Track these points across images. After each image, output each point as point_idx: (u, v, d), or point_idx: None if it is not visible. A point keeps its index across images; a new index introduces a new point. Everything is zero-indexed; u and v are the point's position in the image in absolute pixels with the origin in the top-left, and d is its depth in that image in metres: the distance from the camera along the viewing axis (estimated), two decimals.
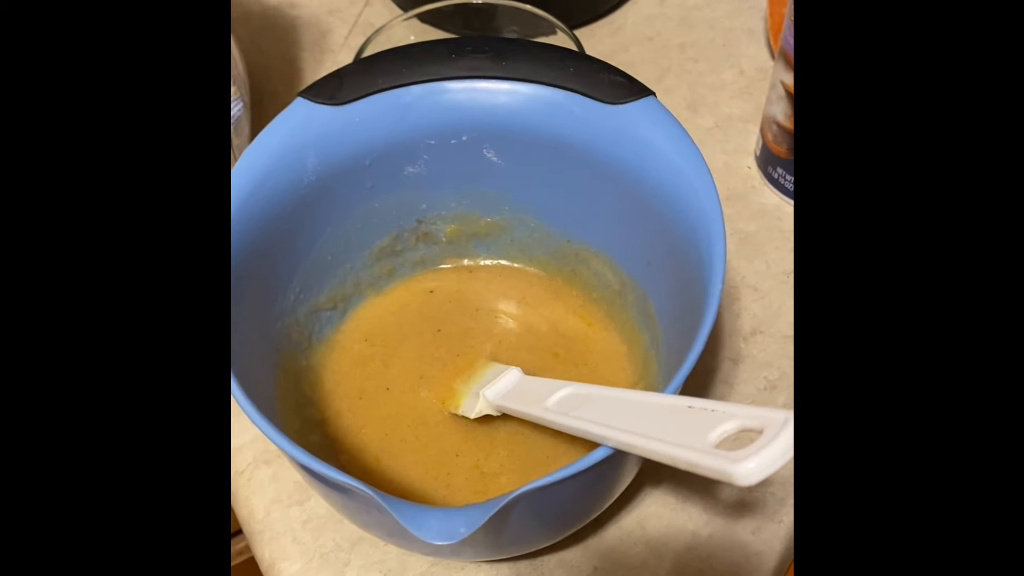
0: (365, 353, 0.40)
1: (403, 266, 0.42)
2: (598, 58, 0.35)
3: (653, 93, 0.34)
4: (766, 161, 0.48)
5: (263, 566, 0.38)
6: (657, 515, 0.37)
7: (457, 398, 0.37)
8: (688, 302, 0.32)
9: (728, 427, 0.24)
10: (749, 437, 0.23)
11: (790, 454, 0.22)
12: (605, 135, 0.34)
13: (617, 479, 0.32)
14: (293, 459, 0.28)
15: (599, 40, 0.57)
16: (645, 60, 0.55)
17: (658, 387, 0.36)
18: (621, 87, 0.34)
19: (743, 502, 0.38)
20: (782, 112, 0.45)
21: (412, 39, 0.46)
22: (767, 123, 0.47)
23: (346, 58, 0.56)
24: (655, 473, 0.38)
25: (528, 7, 0.47)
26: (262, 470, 0.39)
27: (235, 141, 0.45)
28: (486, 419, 0.37)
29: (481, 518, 0.26)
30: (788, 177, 0.47)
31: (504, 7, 0.48)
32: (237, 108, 0.44)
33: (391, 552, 0.37)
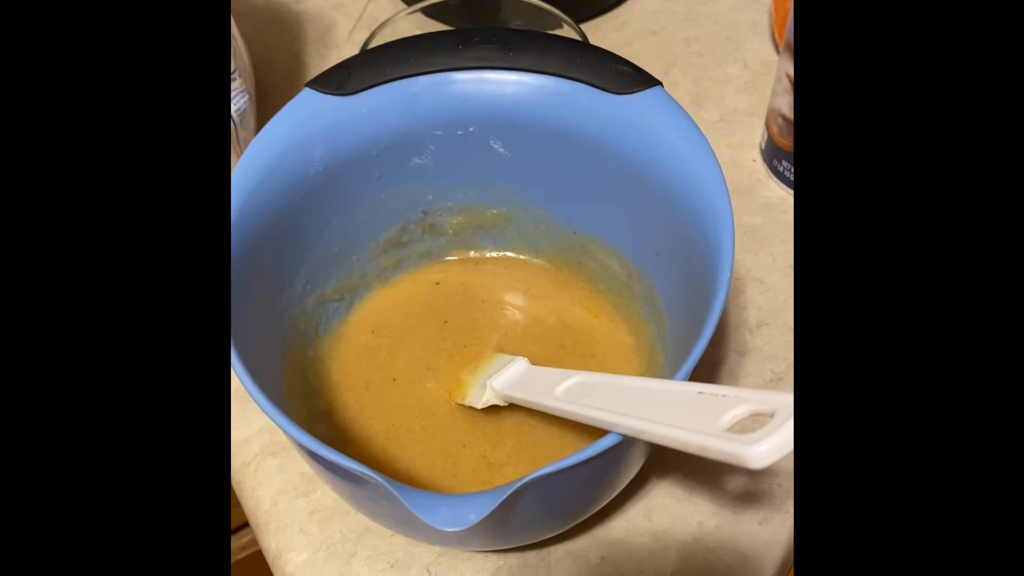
0: (372, 344, 0.40)
1: (409, 258, 0.42)
2: (605, 49, 0.35)
3: (660, 83, 0.34)
4: (771, 154, 0.48)
5: (269, 557, 0.38)
6: (664, 506, 0.37)
7: (464, 389, 0.37)
8: (695, 292, 0.32)
9: (739, 411, 0.24)
10: (759, 422, 0.23)
11: None
12: (612, 125, 0.34)
13: (624, 468, 0.32)
14: (303, 447, 0.28)
15: (604, 34, 0.57)
16: (650, 54, 0.55)
17: (665, 377, 0.36)
18: (628, 77, 0.34)
19: (749, 493, 0.38)
20: (787, 105, 0.45)
21: (416, 33, 0.46)
22: (772, 116, 0.47)
23: (350, 52, 0.56)
24: (661, 464, 0.38)
25: (533, 0, 0.47)
26: (268, 461, 0.39)
27: (241, 134, 0.45)
28: (493, 410, 0.37)
29: (490, 505, 0.26)
30: (793, 170, 0.47)
31: (509, 0, 0.48)
32: (243, 101, 0.45)
33: (398, 543, 0.37)
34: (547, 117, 0.36)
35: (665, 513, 0.37)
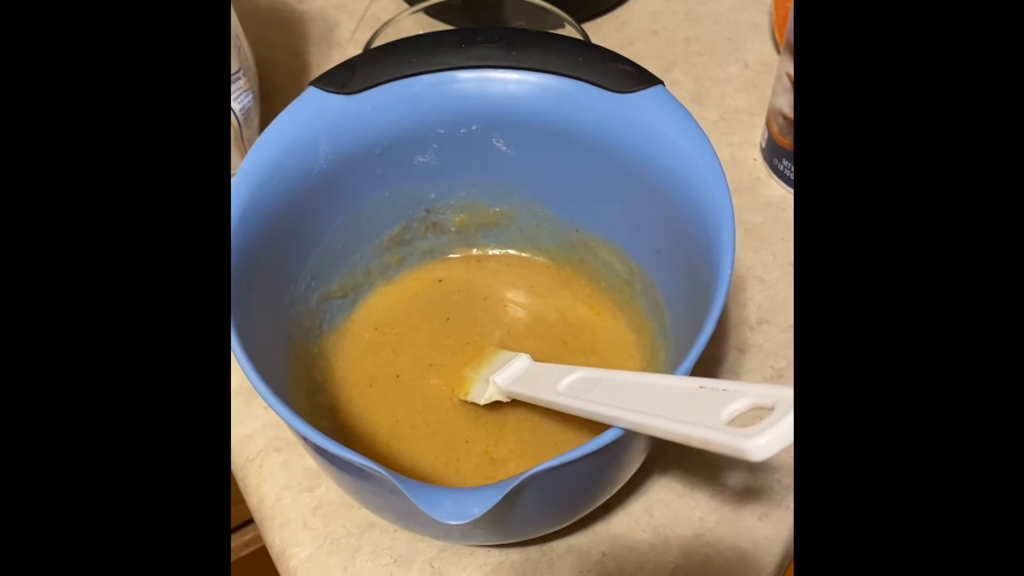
0: (375, 341, 0.40)
1: (412, 255, 0.42)
2: (606, 48, 0.36)
3: (661, 82, 0.34)
4: (772, 153, 0.48)
5: (273, 552, 0.38)
6: (665, 501, 0.38)
7: (467, 385, 0.37)
8: (697, 289, 0.32)
9: (739, 405, 0.24)
10: (759, 415, 0.23)
11: None
12: (614, 124, 0.35)
13: (626, 463, 0.32)
14: (309, 442, 0.28)
15: (605, 34, 0.57)
16: (651, 54, 0.56)
17: (666, 374, 0.36)
18: (630, 76, 0.34)
19: (750, 488, 0.38)
20: (788, 104, 0.45)
21: (419, 33, 0.46)
22: (773, 115, 0.47)
23: (353, 52, 0.56)
24: (662, 460, 0.39)
25: (536, 0, 0.47)
26: (272, 457, 0.40)
27: (245, 133, 0.45)
28: (496, 406, 0.37)
29: (494, 498, 0.26)
30: (793, 169, 0.47)
31: (511, 0, 0.48)
32: (247, 100, 0.45)
33: (401, 538, 0.37)
34: (549, 116, 0.36)
35: (666, 509, 0.38)
